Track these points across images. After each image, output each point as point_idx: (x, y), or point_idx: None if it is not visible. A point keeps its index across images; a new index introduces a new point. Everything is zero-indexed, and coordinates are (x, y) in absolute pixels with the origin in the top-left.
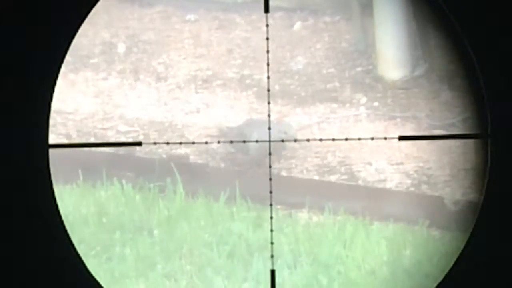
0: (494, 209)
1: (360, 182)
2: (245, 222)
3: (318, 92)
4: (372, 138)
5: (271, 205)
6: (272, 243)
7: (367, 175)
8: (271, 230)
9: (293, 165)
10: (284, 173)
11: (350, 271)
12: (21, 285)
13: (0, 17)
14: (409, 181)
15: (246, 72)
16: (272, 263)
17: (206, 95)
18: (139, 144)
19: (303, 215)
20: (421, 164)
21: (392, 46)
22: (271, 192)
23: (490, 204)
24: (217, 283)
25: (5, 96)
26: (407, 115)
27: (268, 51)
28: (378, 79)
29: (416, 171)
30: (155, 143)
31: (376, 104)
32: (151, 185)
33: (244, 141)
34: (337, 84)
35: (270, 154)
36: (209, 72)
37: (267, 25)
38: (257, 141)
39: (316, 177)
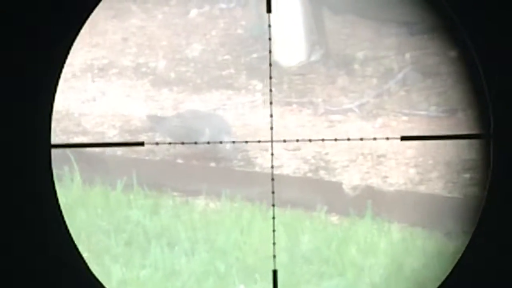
0: (495, 209)
1: (257, 169)
2: (143, 210)
3: (214, 79)
4: (375, 139)
5: (273, 205)
6: (274, 243)
7: (264, 161)
8: (273, 230)
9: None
10: (180, 161)
11: (248, 257)
12: (22, 285)
13: (0, 17)
14: (306, 167)
15: (141, 60)
16: (274, 264)
17: (102, 84)
18: (141, 144)
19: (200, 202)
20: (318, 150)
21: (288, 32)
22: (273, 192)
23: (492, 204)
24: (115, 270)
25: (7, 96)
26: (304, 100)
27: (270, 51)
28: (274, 65)
29: (313, 157)
30: (157, 143)
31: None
32: None
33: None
34: (232, 71)
35: (272, 154)
36: (105, 61)
37: (269, 25)
38: (259, 141)
39: (213, 164)
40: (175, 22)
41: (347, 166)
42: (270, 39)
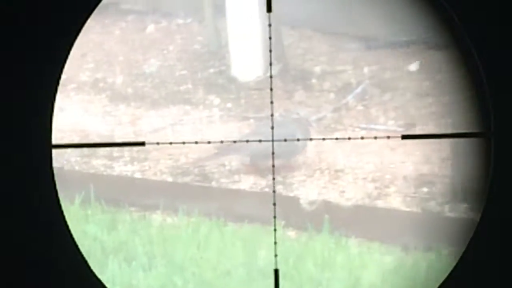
0: (496, 207)
1: (213, 184)
2: (100, 225)
3: (171, 94)
4: (375, 138)
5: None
6: (275, 242)
7: (221, 176)
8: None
9: (147, 167)
10: (138, 175)
11: (205, 272)
12: (23, 286)
13: (0, 17)
14: (263, 182)
15: (99, 75)
16: (276, 263)
17: (60, 99)
18: (142, 144)
19: (157, 217)
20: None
21: (245, 46)
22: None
23: (492, 202)
24: None
25: (8, 96)
26: (261, 115)
27: (270, 51)
28: (231, 80)
29: (271, 172)
30: (158, 143)
31: (229, 105)
32: None
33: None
34: (190, 86)
35: (273, 153)
36: (63, 76)
37: (269, 25)
38: (260, 141)
39: (170, 179)
40: (133, 38)
41: (304, 181)
42: (270, 38)
